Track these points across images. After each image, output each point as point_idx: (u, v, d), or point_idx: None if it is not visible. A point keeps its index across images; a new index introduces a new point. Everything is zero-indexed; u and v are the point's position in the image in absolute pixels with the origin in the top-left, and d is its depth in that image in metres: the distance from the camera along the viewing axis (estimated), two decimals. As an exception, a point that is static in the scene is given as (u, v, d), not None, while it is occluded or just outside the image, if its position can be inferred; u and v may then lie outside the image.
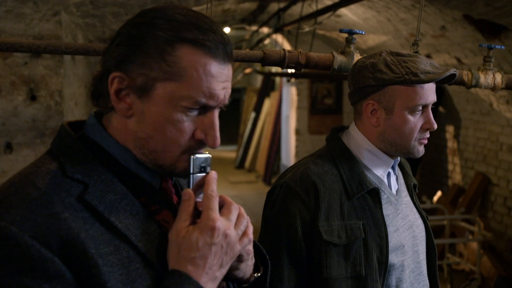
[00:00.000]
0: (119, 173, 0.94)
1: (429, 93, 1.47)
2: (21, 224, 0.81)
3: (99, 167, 0.92)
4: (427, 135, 1.52)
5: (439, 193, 5.89)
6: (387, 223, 1.50)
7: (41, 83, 2.93)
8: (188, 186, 0.95)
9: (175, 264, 0.89)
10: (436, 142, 6.25)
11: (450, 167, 6.02)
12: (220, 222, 0.90)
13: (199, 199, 0.94)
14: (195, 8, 3.57)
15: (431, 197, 5.97)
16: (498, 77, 1.96)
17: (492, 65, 1.97)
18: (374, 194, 1.51)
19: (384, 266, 1.47)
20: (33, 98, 2.92)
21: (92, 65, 3.92)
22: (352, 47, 1.84)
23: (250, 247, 1.01)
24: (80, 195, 0.88)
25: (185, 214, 0.91)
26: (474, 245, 4.94)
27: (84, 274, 0.83)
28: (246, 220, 0.96)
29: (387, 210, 1.53)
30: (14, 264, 0.80)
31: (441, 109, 6.00)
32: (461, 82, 1.96)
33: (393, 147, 1.52)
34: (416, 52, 1.95)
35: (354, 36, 1.84)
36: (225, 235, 0.90)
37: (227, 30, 8.69)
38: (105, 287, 0.84)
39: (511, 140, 4.90)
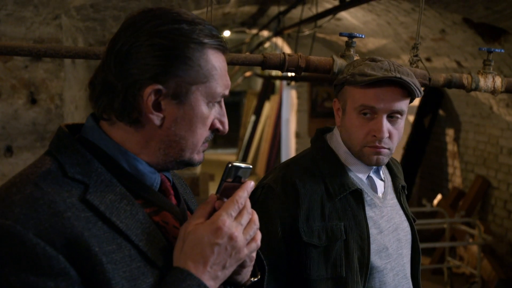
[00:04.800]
0: (118, 174, 0.95)
1: (379, 97, 1.43)
2: (25, 222, 0.82)
3: (98, 168, 0.93)
4: (377, 143, 1.46)
5: (439, 196, 5.88)
6: (370, 225, 1.50)
7: (42, 86, 2.93)
8: (218, 192, 0.97)
9: (177, 260, 0.91)
10: (436, 145, 6.25)
11: (450, 170, 6.01)
12: (228, 224, 0.91)
13: None
14: (195, 11, 3.58)
15: (431, 200, 5.97)
16: (498, 80, 1.96)
17: (491, 69, 1.97)
18: (357, 196, 1.51)
19: (366, 268, 1.47)
20: (33, 101, 2.92)
21: (93, 68, 3.92)
22: (352, 51, 1.84)
23: (254, 254, 1.03)
24: (82, 195, 0.89)
25: (199, 214, 0.94)
26: (475, 248, 4.94)
27: (89, 272, 0.84)
28: (257, 227, 0.97)
29: (370, 212, 1.52)
30: (19, 262, 0.81)
31: (441, 112, 6.00)
32: (461, 86, 1.96)
33: (350, 150, 1.52)
34: (416, 55, 1.96)
35: (354, 39, 1.84)
36: (231, 238, 0.91)
37: (227, 33, 8.71)
38: (110, 284, 0.85)
39: (511, 143, 4.90)
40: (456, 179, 5.88)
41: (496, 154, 5.14)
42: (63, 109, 2.97)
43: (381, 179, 1.60)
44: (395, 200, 1.62)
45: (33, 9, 2.85)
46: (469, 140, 5.59)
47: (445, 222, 4.98)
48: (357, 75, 1.44)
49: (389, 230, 1.55)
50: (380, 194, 1.57)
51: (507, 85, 1.97)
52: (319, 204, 1.48)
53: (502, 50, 1.99)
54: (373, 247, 1.49)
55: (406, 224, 1.61)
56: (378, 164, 1.50)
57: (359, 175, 1.55)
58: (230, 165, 0.95)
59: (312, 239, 1.45)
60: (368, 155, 1.48)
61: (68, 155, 0.93)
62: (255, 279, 1.11)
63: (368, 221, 1.50)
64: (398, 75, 1.41)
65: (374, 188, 1.57)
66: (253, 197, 1.54)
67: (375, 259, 1.49)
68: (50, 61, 2.92)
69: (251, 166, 0.98)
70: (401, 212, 1.62)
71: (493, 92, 1.96)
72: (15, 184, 0.89)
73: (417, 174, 6.14)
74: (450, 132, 5.99)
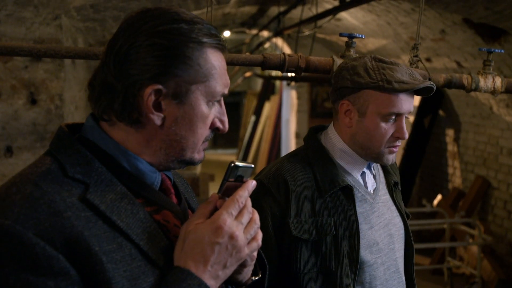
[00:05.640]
0: (119, 174, 0.95)
1: (403, 102, 1.49)
2: (24, 222, 0.82)
3: (99, 167, 0.93)
4: (398, 143, 1.55)
5: (439, 197, 5.88)
6: (360, 221, 1.54)
7: (42, 87, 2.93)
8: (219, 191, 0.97)
9: (178, 259, 0.91)
10: (436, 146, 6.25)
11: (450, 170, 6.01)
12: (229, 224, 0.91)
13: None
14: (196, 12, 3.58)
15: (431, 201, 5.97)
16: (498, 81, 1.96)
17: (491, 69, 1.97)
18: (348, 192, 1.55)
19: (355, 262, 1.51)
20: (33, 102, 2.92)
21: (93, 68, 3.90)
22: (352, 51, 1.85)
23: (255, 253, 1.03)
24: (82, 195, 0.89)
25: (200, 213, 0.94)
26: (475, 248, 4.94)
27: (89, 271, 0.84)
28: (257, 226, 0.97)
29: (361, 208, 1.56)
30: (19, 262, 0.81)
31: (441, 112, 6.00)
32: (461, 86, 1.96)
33: (363, 150, 1.56)
34: (416, 56, 1.96)
35: (354, 40, 1.84)
36: (231, 237, 0.91)
37: (227, 33, 8.71)
38: (110, 283, 0.85)
39: (511, 143, 4.90)
40: (456, 179, 5.88)
41: (496, 155, 5.14)
42: (63, 110, 2.97)
43: (373, 175, 1.65)
44: (388, 196, 1.66)
45: (33, 10, 2.85)
46: (469, 140, 5.59)
47: (445, 222, 4.98)
48: (394, 82, 1.46)
49: (380, 225, 1.59)
50: (371, 190, 1.62)
51: (507, 86, 1.97)
52: (310, 199, 1.53)
53: (502, 51, 2.00)
54: (363, 242, 1.53)
55: (398, 220, 1.65)
56: (391, 162, 1.57)
57: (352, 172, 1.59)
58: (232, 164, 0.96)
59: (302, 234, 1.49)
60: (386, 155, 1.55)
61: (68, 155, 0.93)
62: (256, 278, 1.11)
63: (359, 217, 1.54)
64: (432, 83, 1.49)
65: (366, 184, 1.61)
66: None
67: (365, 253, 1.53)
68: (50, 61, 2.92)
69: (253, 166, 0.98)
70: (394, 207, 1.66)
71: (493, 92, 1.96)
72: (15, 184, 0.89)
73: (417, 174, 6.14)
74: (450, 133, 5.99)
